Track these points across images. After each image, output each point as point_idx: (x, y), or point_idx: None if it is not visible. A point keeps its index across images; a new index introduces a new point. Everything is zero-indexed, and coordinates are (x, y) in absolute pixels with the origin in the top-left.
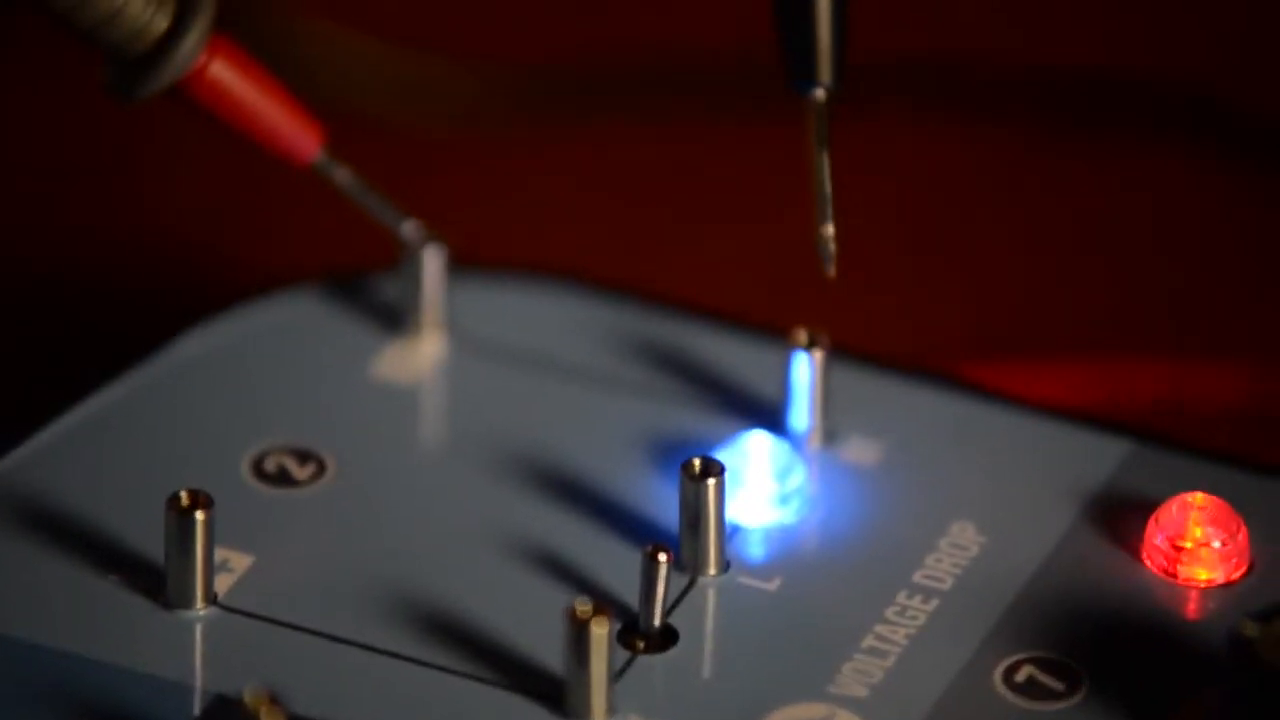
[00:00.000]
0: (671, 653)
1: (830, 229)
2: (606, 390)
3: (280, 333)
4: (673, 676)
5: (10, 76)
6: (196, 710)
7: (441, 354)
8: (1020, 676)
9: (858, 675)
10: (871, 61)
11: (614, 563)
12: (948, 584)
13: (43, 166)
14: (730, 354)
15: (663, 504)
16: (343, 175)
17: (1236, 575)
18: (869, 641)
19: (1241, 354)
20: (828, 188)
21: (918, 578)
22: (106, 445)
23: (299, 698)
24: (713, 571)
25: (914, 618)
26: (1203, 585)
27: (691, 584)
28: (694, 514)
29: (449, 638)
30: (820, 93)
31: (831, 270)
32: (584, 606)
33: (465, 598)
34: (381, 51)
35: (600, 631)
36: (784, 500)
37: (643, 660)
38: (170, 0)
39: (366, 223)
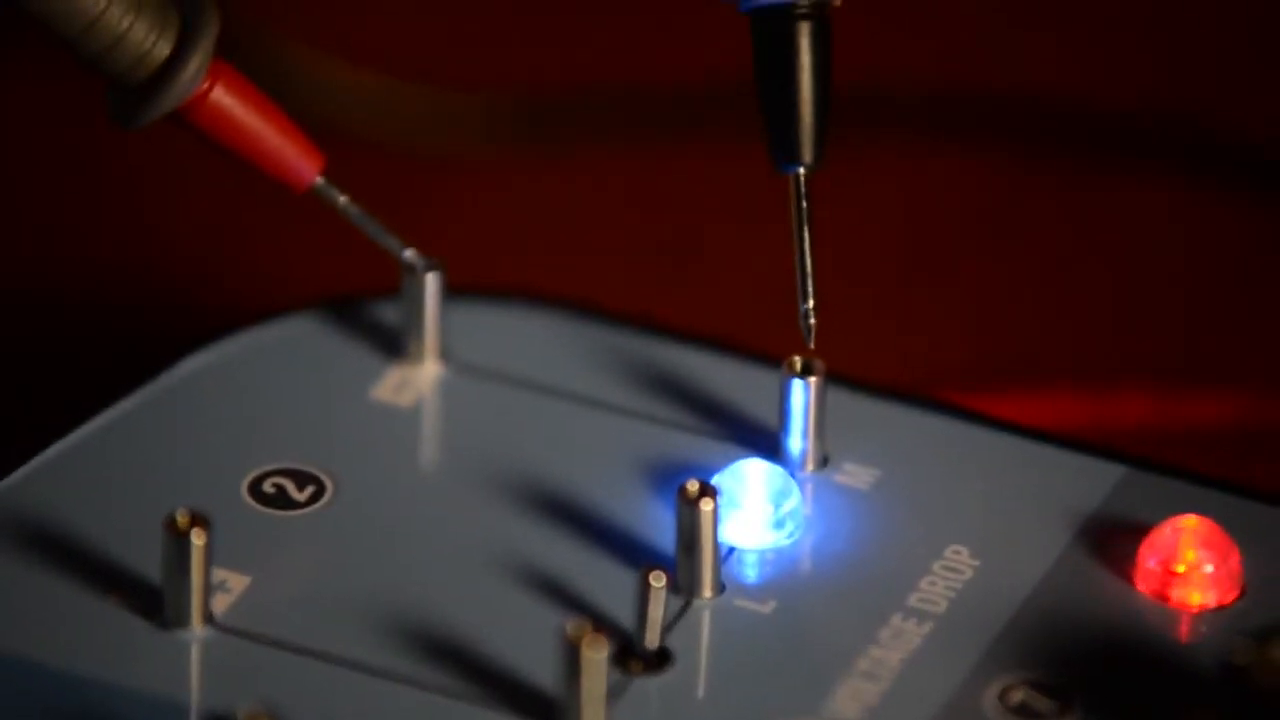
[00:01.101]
0: (667, 675)
1: (811, 304)
2: (603, 415)
3: (280, 356)
4: (668, 698)
5: (12, 101)
6: None
7: (440, 378)
8: (1013, 699)
9: (852, 698)
10: (871, 90)
11: (610, 585)
12: (942, 607)
13: (46, 191)
14: (726, 379)
15: (659, 527)
16: (343, 201)
17: (1229, 599)
18: (863, 664)
19: (1237, 380)
20: (809, 265)
21: (912, 601)
22: (107, 466)
23: (293, 716)
24: (708, 594)
25: (908, 640)
26: (1195, 609)
27: (687, 606)
28: (689, 537)
29: (445, 659)
30: (801, 171)
31: (811, 344)
32: (579, 629)
33: (462, 620)
34: (375, 81)
35: (596, 654)
36: (779, 524)
37: (638, 682)
38: (171, 27)
39: (366, 248)
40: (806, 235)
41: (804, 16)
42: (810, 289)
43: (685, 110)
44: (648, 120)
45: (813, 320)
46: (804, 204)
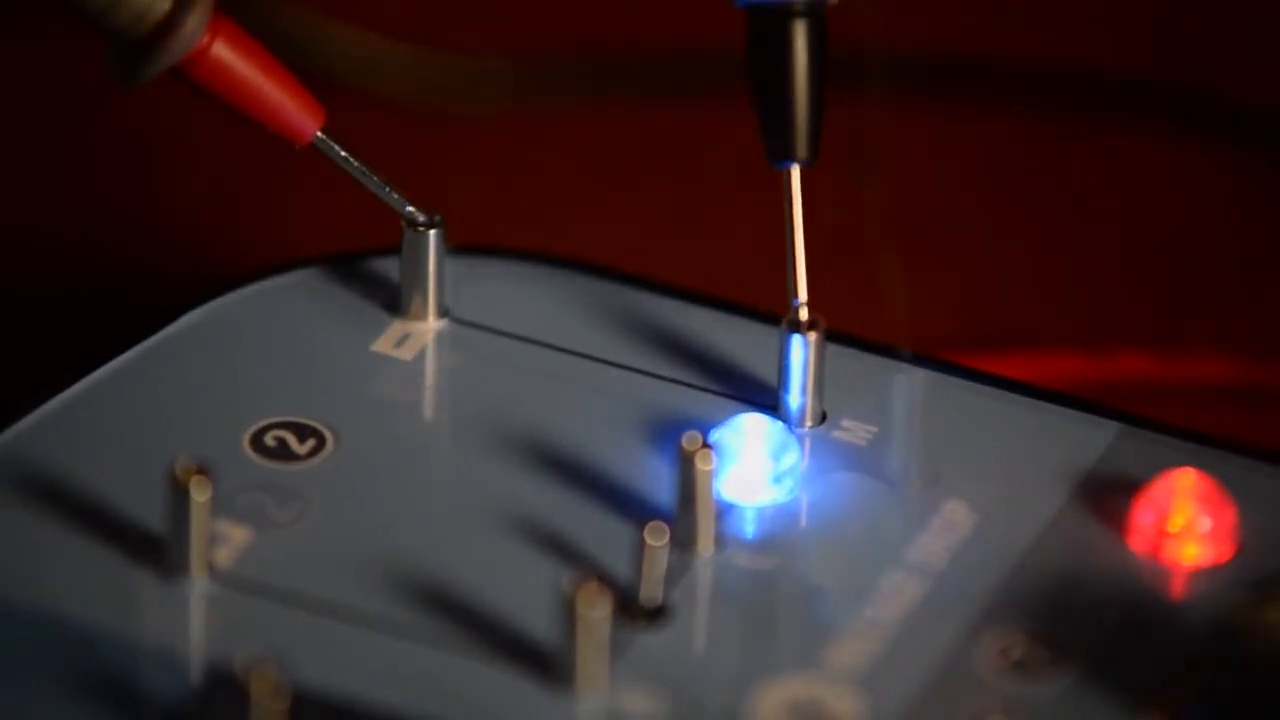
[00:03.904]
0: (667, 629)
1: (803, 298)
2: (603, 370)
3: (282, 311)
4: (668, 652)
5: (16, 60)
6: (192, 679)
7: (440, 334)
8: (1011, 654)
9: (850, 652)
10: (871, 53)
11: (611, 540)
12: (939, 563)
13: (50, 149)
14: (726, 335)
15: (659, 482)
16: (344, 156)
17: (1224, 557)
18: (862, 619)
19: (1233, 340)
20: (801, 262)
21: (910, 557)
22: (110, 419)
23: (293, 669)
24: (707, 549)
25: (906, 596)
26: (1191, 566)
27: (687, 562)
28: (689, 492)
29: (446, 612)
30: (795, 168)
31: (804, 335)
32: (582, 583)
33: (463, 573)
34: (373, 39)
35: (597, 609)
36: (778, 479)
37: (638, 636)
38: None
39: (367, 203)
40: (799, 233)
41: (800, 15)
42: (801, 286)
43: (689, 70)
44: (649, 80)
45: (803, 317)
46: (797, 201)
